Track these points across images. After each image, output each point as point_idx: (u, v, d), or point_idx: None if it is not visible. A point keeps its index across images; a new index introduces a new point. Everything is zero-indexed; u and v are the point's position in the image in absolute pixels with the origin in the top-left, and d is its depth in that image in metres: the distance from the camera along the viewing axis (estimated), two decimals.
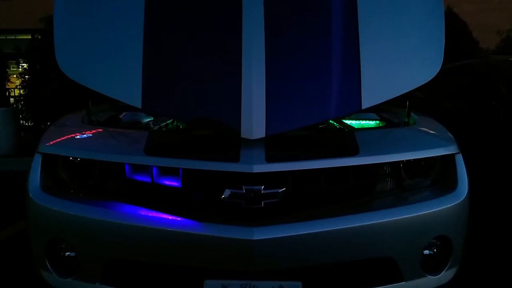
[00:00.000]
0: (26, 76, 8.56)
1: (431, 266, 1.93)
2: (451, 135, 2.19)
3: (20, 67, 10.45)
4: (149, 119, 2.61)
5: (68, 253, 1.91)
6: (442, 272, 1.94)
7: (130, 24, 2.03)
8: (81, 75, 2.07)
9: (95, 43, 2.07)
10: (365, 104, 2.00)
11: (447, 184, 2.02)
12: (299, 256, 1.75)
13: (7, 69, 10.87)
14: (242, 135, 1.82)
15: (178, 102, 2.00)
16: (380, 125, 2.61)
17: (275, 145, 1.85)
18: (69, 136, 2.13)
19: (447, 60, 2.30)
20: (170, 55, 2.01)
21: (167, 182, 1.89)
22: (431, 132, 2.30)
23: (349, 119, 2.67)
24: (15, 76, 10.98)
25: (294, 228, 1.72)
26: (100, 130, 2.23)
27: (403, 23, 2.15)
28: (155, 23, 2.03)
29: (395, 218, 1.82)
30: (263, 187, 1.74)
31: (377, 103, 2.07)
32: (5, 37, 12.31)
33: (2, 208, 4.16)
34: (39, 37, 8.93)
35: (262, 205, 1.75)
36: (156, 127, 2.46)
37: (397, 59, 2.11)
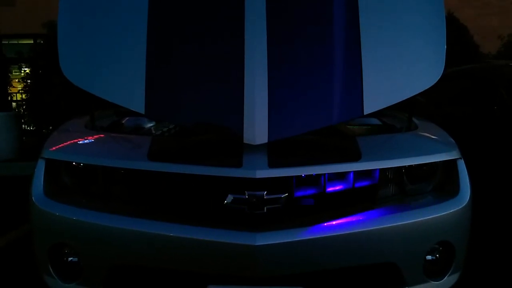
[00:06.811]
0: (28, 81, 8.60)
1: (433, 272, 1.93)
2: (453, 140, 2.20)
3: (22, 71, 10.49)
4: (152, 125, 2.62)
5: (71, 258, 1.92)
6: (445, 278, 1.94)
7: (133, 30, 2.04)
8: (85, 81, 2.08)
9: (99, 49, 2.08)
10: (367, 110, 2.01)
11: (449, 189, 2.02)
12: (302, 262, 1.75)
13: (9, 74, 10.90)
14: (245, 141, 1.82)
15: (181, 107, 2.01)
16: (382, 130, 2.62)
17: (278, 151, 1.86)
18: (73, 141, 2.14)
19: (448, 64, 2.30)
20: (173, 61, 2.02)
21: (170, 188, 1.90)
22: (433, 137, 2.31)
23: (351, 124, 2.68)
24: (17, 80, 11.02)
25: (296, 234, 1.72)
26: (104, 135, 2.24)
27: (404, 29, 2.15)
28: (159, 29, 2.04)
29: (398, 224, 1.82)
30: (265, 192, 1.75)
31: (379, 108, 2.08)
32: (7, 42, 12.33)
33: (3, 213, 4.16)
34: (42, 42, 8.98)
35: (265, 211, 1.75)
36: (159, 133, 2.47)
37: (399, 65, 2.11)
